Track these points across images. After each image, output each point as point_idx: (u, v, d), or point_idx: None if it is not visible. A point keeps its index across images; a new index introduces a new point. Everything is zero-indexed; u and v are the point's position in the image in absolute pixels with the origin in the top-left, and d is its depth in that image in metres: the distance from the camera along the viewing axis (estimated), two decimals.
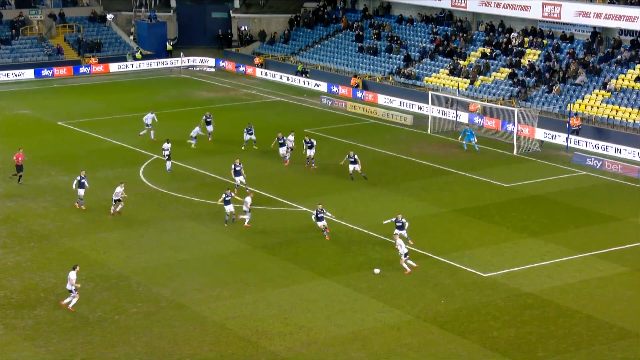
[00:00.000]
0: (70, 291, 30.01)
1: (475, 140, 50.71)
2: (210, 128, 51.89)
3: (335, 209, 40.35)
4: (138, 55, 76.54)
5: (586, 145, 50.99)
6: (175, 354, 27.31)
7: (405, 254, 33.19)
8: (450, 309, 30.34)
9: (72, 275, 29.97)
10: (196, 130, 50.21)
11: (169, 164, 45.96)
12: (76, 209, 39.93)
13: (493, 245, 36.20)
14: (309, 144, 46.65)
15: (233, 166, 42.12)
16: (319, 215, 36.35)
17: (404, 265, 33.20)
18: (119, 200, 39.05)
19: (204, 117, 52.15)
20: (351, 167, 44.71)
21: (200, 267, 33.82)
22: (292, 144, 47.98)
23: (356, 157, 44.74)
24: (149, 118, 51.87)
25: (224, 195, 38.00)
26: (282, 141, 47.25)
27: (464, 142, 50.67)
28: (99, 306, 30.38)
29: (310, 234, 37.12)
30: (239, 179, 42.14)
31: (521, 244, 36.56)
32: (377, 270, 32.65)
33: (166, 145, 46.07)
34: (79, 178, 39.90)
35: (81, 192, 39.88)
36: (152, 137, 51.45)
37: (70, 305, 29.95)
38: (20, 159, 43.48)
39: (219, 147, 50.44)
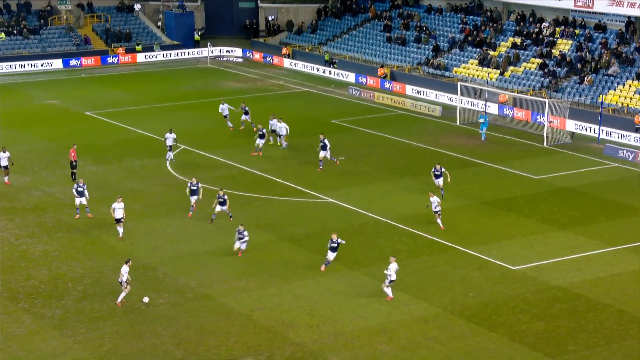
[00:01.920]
0: (121, 283, 29.80)
1: (486, 128, 50.18)
2: (247, 117, 51.63)
3: (362, 201, 40.09)
4: (156, 45, 76.48)
5: (618, 137, 50.25)
6: (202, 344, 27.26)
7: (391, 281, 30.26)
8: (478, 302, 30.00)
9: (124, 269, 29.64)
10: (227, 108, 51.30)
11: (170, 154, 45.24)
12: (99, 197, 39.87)
13: (522, 238, 35.76)
14: (322, 145, 43.94)
15: (217, 197, 37.11)
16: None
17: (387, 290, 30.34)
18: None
19: (241, 108, 51.99)
20: (322, 153, 43.60)
21: (226, 259, 33.74)
22: (287, 130, 47.40)
23: (326, 141, 43.60)
24: (225, 109, 51.83)
25: (217, 197, 36.85)
26: (261, 133, 46.37)
27: (481, 131, 50.23)
28: (126, 296, 30.37)
29: (336, 225, 36.88)
30: (194, 199, 37.81)
31: (551, 236, 36.08)
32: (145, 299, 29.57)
33: (168, 135, 45.45)
34: (75, 186, 37.54)
35: (81, 200, 37.33)
36: (230, 125, 51.63)
37: (119, 300, 29.78)
38: (73, 154, 42.21)
39: (245, 139, 50.28)
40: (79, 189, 37.32)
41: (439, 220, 36.39)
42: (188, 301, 30.23)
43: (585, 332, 28.01)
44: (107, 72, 71.52)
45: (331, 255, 32.37)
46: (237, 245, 33.70)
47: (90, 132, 52.79)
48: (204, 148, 48.40)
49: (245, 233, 33.57)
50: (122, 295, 29.73)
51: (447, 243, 35.13)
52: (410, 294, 30.65)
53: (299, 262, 33.57)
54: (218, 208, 36.84)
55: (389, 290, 30.18)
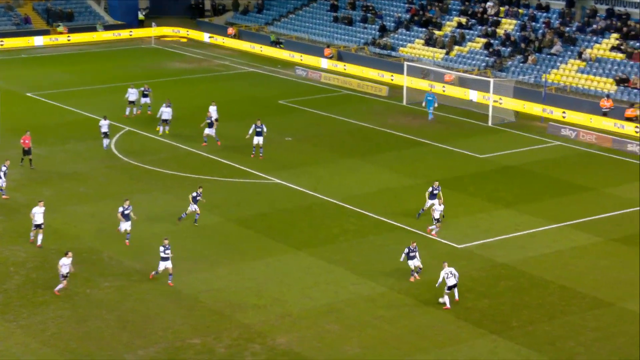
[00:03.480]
0: (63, 276, 28.94)
1: (435, 105, 50.46)
2: (147, 100, 50.23)
3: (309, 181, 40.08)
4: (99, 25, 75.14)
5: (561, 115, 50.98)
6: (148, 327, 27.03)
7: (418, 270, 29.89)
8: (424, 280, 30.24)
9: (63, 261, 28.84)
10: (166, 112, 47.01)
11: (105, 142, 43.97)
12: (42, 181, 39.21)
13: (468, 216, 36.13)
14: (258, 130, 42.56)
15: (192, 194, 34.89)
16: (411, 254, 30.22)
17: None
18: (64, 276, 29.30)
19: (142, 89, 50.48)
20: (255, 139, 42.53)
21: (172, 240, 33.35)
22: (216, 115, 46.06)
23: (264, 127, 42.68)
24: (131, 94, 49.96)
25: (194, 194, 35.11)
26: (209, 121, 45.09)
27: (429, 110, 50.50)
28: (70, 280, 29.92)
29: (284, 206, 36.82)
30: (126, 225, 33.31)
31: (496, 214, 36.52)
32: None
33: (103, 122, 44.17)
34: (121, 209, 32.95)
35: (126, 225, 33.00)
36: (131, 112, 50.30)
37: (56, 289, 29.05)
38: (27, 141, 40.80)
39: (192, 120, 49.76)
40: (126, 212, 32.95)
41: (434, 226, 33.94)
42: (134, 284, 29.94)
43: (528, 308, 28.46)
44: (49, 53, 70.10)
45: (162, 265, 29.72)
46: (161, 267, 29.82)
47: (32, 114, 51.76)
48: (149, 130, 47.79)
49: (169, 252, 29.78)
50: (60, 286, 29.02)
51: (394, 223, 35.32)
52: (358, 274, 30.77)
53: (246, 243, 33.44)
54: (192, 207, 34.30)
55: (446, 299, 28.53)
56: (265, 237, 33.95)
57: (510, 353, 25.72)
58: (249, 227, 34.89)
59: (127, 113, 50.06)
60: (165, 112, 46.65)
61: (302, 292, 29.42)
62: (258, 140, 43.01)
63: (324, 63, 64.50)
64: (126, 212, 32.85)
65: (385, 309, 28.24)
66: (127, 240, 33.08)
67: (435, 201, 34.63)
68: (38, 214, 32.35)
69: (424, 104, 51.13)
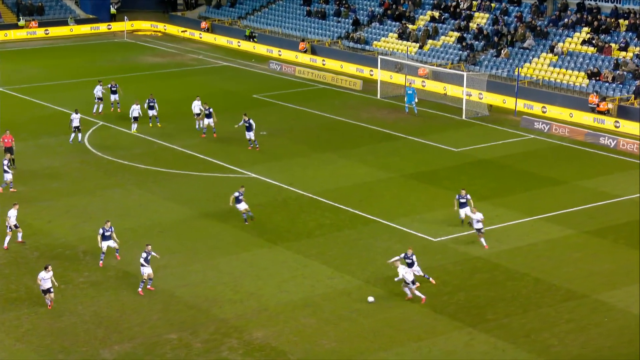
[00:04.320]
0: (45, 291, 27.51)
1: (416, 101, 50.68)
2: (116, 97, 49.71)
3: (285, 175, 40.05)
4: (70, 19, 74.52)
5: (534, 109, 51.35)
6: (124, 322, 26.89)
7: (413, 282, 28.37)
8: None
9: (42, 275, 27.37)
10: (136, 109, 46.02)
11: (72, 136, 43.64)
12: (16, 176, 38.83)
13: (443, 209, 36.28)
14: (247, 125, 42.91)
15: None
16: (408, 262, 29.25)
17: (416, 293, 28.44)
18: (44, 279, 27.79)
19: (109, 86, 49.92)
20: (247, 134, 43.07)
21: (147, 235, 33.26)
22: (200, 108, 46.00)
23: (251, 121, 42.94)
24: (98, 90, 49.66)
25: (236, 194, 34.28)
26: (208, 112, 45.20)
27: (406, 105, 50.66)
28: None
29: (259, 200, 36.77)
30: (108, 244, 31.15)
31: None
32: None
33: (75, 116, 43.68)
34: (102, 231, 30.90)
35: (108, 243, 30.98)
36: (98, 110, 49.81)
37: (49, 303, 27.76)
38: (8, 140, 39.73)
39: (167, 113, 49.48)
40: (106, 233, 31.02)
41: (482, 240, 32.34)
42: (109, 279, 29.77)
43: (503, 300, 28.66)
44: (20, 47, 69.36)
45: (144, 271, 28.43)
46: (145, 272, 28.60)
47: (4, 109, 51.19)
48: (123, 124, 47.49)
49: (153, 254, 28.89)
50: (48, 302, 27.58)
51: (369, 216, 35.41)
52: (333, 267, 30.82)
53: (222, 238, 33.36)
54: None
55: (416, 293, 28.23)
56: (240, 231, 33.88)
57: (485, 345, 25.91)
58: (225, 222, 34.80)
59: (94, 111, 49.39)
60: (135, 110, 45.79)
61: (279, 286, 29.42)
62: (249, 135, 43.30)
63: (301, 57, 64.47)
64: (107, 233, 30.71)
65: (361, 303, 28.30)
66: (117, 255, 31.18)
67: (467, 210, 33.38)
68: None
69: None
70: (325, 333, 26.46)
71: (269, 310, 27.80)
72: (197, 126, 46.25)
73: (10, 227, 32.18)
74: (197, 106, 46.55)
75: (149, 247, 28.99)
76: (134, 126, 45.67)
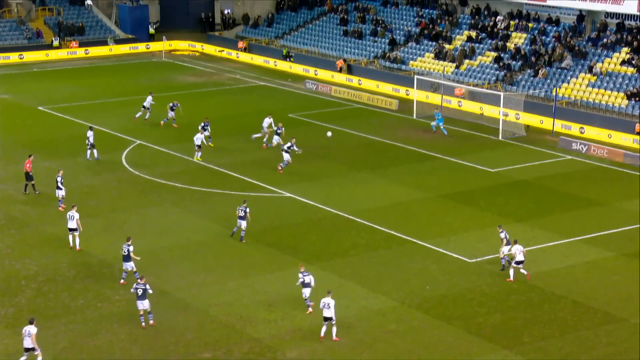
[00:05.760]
0: (33, 349, 25.21)
1: (443, 124, 50.51)
2: (172, 114, 50.87)
3: (320, 195, 40.06)
4: (110, 39, 75.65)
5: (572, 130, 50.89)
6: (159, 341, 27.01)
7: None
8: (435, 294, 30.16)
9: (32, 330, 25.22)
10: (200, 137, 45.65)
11: (89, 153, 44.33)
12: (53, 194, 39.28)
13: (478, 230, 36.03)
14: (279, 131, 45.52)
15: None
16: None
17: (522, 271, 30.92)
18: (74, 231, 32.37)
19: (171, 105, 51.14)
20: (275, 139, 45.04)
21: (183, 254, 33.46)
22: (266, 129, 47.01)
23: (282, 128, 44.65)
24: (148, 102, 51.43)
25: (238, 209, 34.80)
26: (279, 131, 46.23)
27: (432, 123, 50.56)
28: (80, 293, 30.00)
29: (295, 220, 36.79)
30: (129, 265, 31.17)
31: (507, 229, 36.14)
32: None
33: (90, 133, 44.35)
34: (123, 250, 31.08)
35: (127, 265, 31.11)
36: (138, 117, 50.89)
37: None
38: (28, 165, 39.70)
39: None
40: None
41: (523, 271, 31.32)
42: None
43: (540, 323, 28.31)
44: (60, 67, 70.44)
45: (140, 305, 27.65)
46: (140, 307, 27.75)
47: (43, 127, 51.97)
48: (160, 143, 47.93)
49: (148, 289, 27.94)
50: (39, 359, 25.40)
51: (404, 237, 35.26)
52: (368, 288, 30.69)
53: (257, 256, 33.42)
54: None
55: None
56: (275, 250, 33.91)
57: None
58: (259, 241, 34.87)
59: (136, 116, 51.17)
60: (199, 138, 45.21)
61: (313, 306, 29.34)
62: (277, 139, 45.31)
63: (337, 77, 64.66)
64: (124, 253, 30.51)
65: (396, 324, 28.14)
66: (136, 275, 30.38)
67: (509, 247, 31.84)
68: (71, 220, 32.71)
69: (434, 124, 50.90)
70: (359, 354, 26.33)
71: (303, 330, 27.74)
72: (264, 140, 47.11)
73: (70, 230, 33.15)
74: (267, 123, 47.59)
75: (143, 280, 27.92)
76: (198, 154, 45.64)
